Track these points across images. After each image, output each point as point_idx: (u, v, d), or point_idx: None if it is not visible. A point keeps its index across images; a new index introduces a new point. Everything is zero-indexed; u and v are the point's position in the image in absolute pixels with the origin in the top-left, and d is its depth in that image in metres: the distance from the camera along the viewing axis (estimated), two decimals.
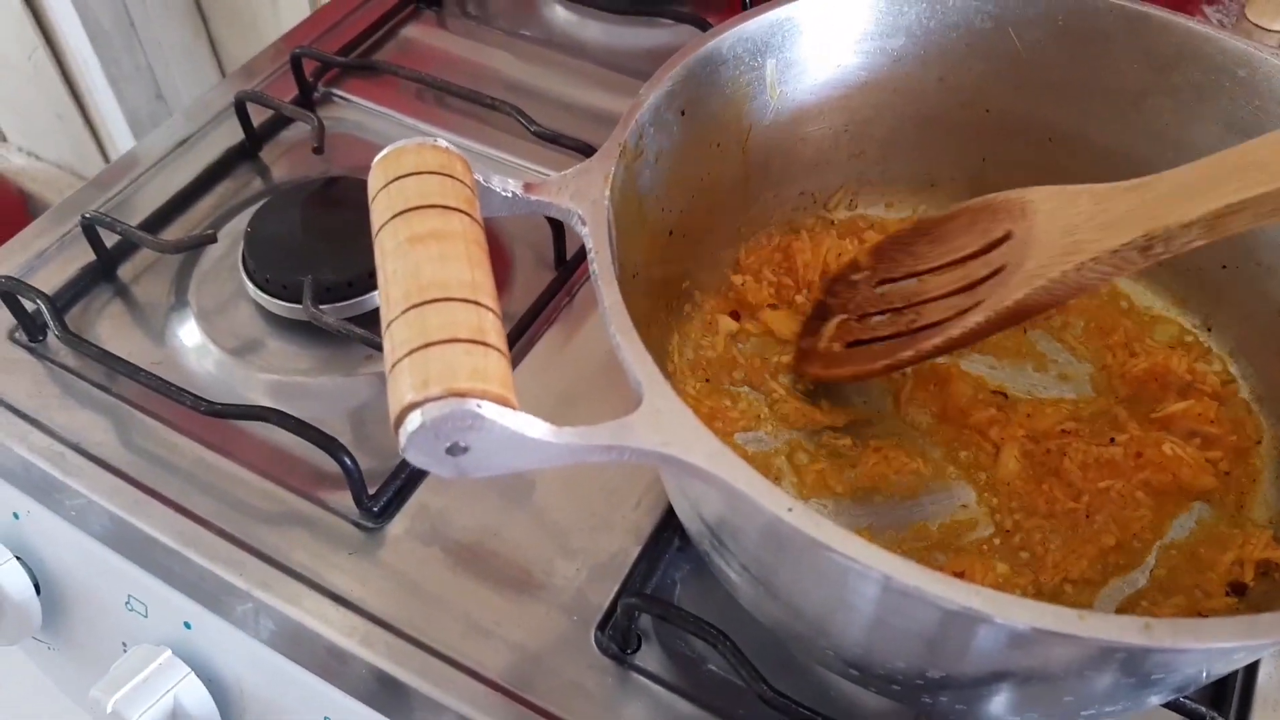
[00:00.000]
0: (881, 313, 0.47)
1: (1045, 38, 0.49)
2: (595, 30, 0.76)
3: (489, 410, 0.28)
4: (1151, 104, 0.49)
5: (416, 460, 0.29)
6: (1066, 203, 0.42)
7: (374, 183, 0.34)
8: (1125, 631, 0.27)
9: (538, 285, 0.58)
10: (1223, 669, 0.37)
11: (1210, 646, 0.28)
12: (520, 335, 0.56)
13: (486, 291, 0.31)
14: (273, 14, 1.22)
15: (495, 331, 0.30)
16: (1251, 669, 0.44)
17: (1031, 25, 0.49)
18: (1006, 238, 0.43)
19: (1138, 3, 0.47)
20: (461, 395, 0.28)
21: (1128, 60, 0.48)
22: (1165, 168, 0.49)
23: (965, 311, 0.43)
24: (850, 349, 0.48)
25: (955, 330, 0.43)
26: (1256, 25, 0.70)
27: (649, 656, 0.45)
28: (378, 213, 0.33)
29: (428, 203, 0.32)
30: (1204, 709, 0.41)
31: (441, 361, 0.28)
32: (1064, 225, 0.41)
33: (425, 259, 0.31)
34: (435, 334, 0.29)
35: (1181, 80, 0.48)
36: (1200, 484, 0.45)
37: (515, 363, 0.55)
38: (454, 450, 0.29)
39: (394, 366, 0.29)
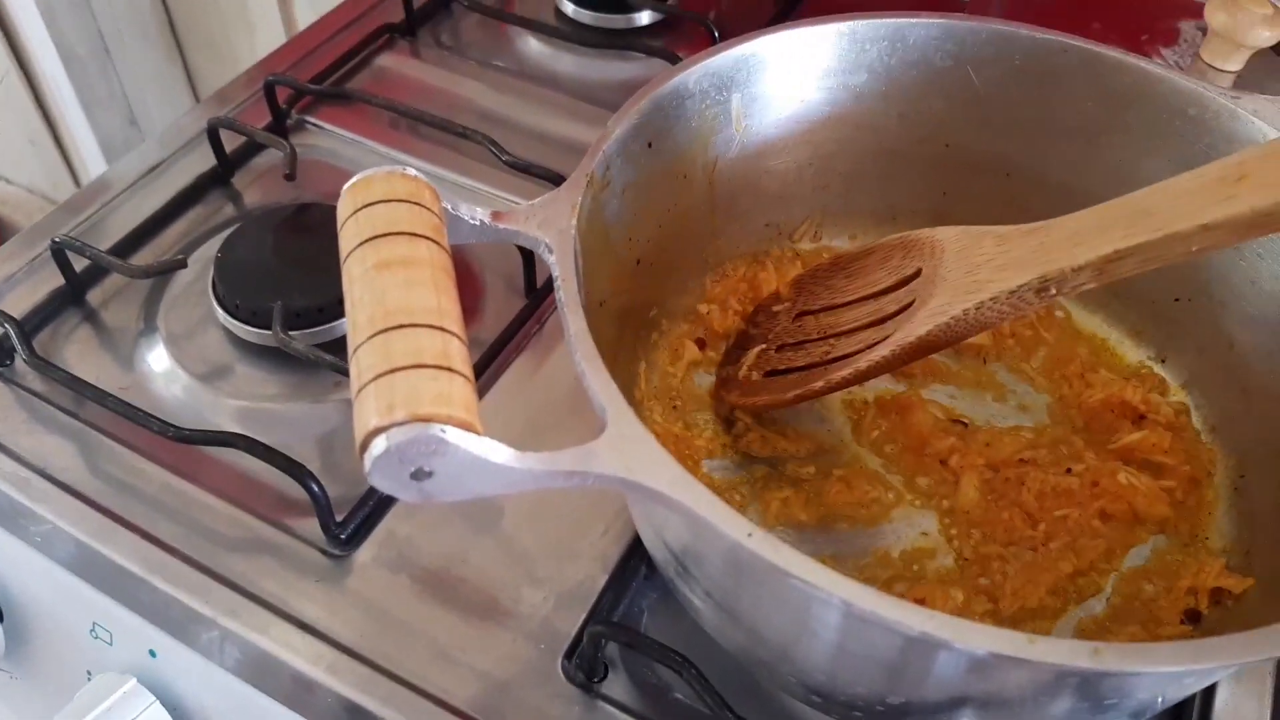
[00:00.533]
0: (799, 344, 0.49)
1: (1003, 76, 0.50)
2: (568, 62, 0.77)
3: (453, 435, 0.28)
4: (1106, 141, 0.50)
5: (381, 485, 0.29)
6: (972, 243, 0.43)
7: (343, 210, 0.34)
8: (1074, 655, 0.28)
9: (508, 312, 0.58)
10: (1176, 694, 0.38)
11: (1156, 670, 0.28)
12: (490, 362, 0.56)
13: (452, 318, 0.31)
14: (248, 41, 1.23)
15: (460, 357, 0.31)
16: (1209, 695, 0.45)
17: (989, 64, 0.50)
18: (917, 274, 0.45)
19: (1092, 44, 0.49)
20: (426, 420, 0.28)
21: (1083, 99, 0.50)
22: None
23: (874, 345, 0.45)
24: (767, 378, 0.48)
25: (863, 363, 0.44)
26: (1211, 66, 0.72)
27: (616, 685, 0.45)
28: (346, 239, 0.33)
29: (395, 230, 0.33)
30: None
31: (406, 387, 0.29)
32: (968, 264, 0.43)
33: (391, 285, 0.31)
34: (400, 359, 0.29)
35: (1135, 119, 0.49)
36: (1155, 513, 0.46)
37: (485, 389, 0.55)
38: (418, 475, 0.29)
39: (359, 392, 0.29)
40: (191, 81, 1.37)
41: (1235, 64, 0.71)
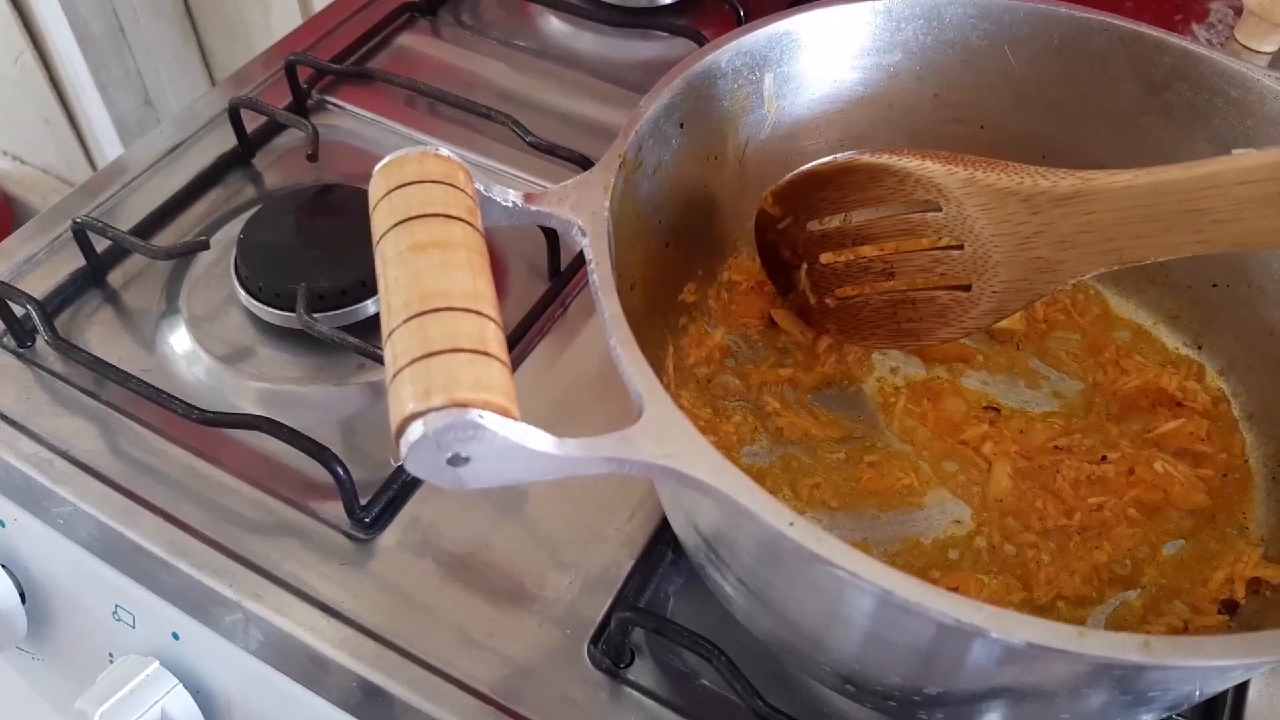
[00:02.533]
0: (838, 252, 0.49)
1: (1040, 56, 0.49)
2: (589, 41, 0.76)
3: (491, 421, 0.28)
4: (1145, 123, 0.49)
5: (417, 471, 0.29)
6: (995, 201, 0.43)
7: (375, 191, 0.34)
8: (1125, 649, 0.27)
9: (532, 296, 0.58)
10: (1217, 687, 0.37)
11: (1209, 664, 0.28)
12: (514, 346, 0.55)
13: (488, 301, 0.31)
14: (263, 21, 1.22)
15: (497, 341, 0.30)
16: (1241, 688, 0.44)
17: (1026, 43, 0.49)
18: (934, 207, 0.44)
19: (1132, 23, 0.48)
20: (463, 405, 0.28)
21: (1122, 79, 0.49)
22: None
23: (953, 291, 0.46)
24: (847, 305, 0.49)
25: (969, 322, 0.46)
26: (1245, 46, 0.71)
27: (642, 671, 0.45)
28: (379, 221, 0.33)
29: (429, 211, 0.32)
30: None
31: (443, 371, 0.28)
32: (1014, 235, 0.43)
33: (427, 268, 0.31)
34: (437, 344, 0.29)
35: (1175, 100, 0.48)
36: (1192, 502, 0.45)
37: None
38: (455, 461, 0.28)
39: (395, 376, 0.29)
40: (206, 61, 1.36)
41: (1271, 45, 0.70)
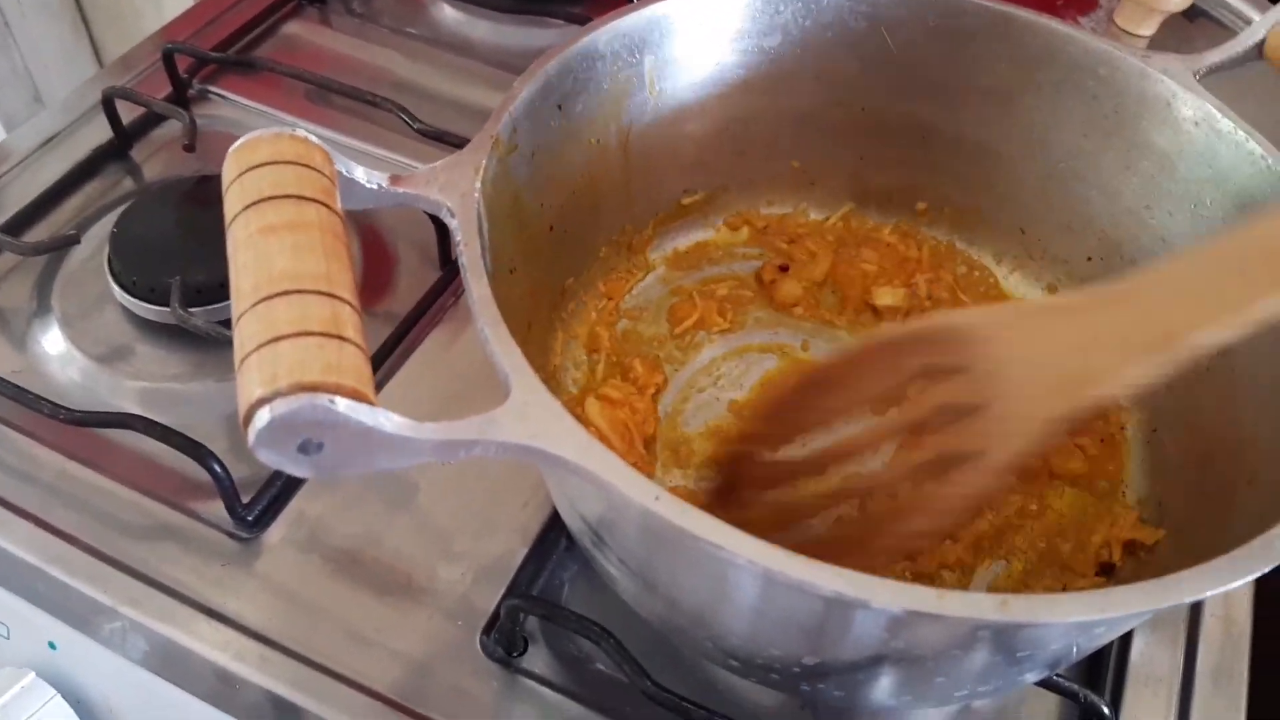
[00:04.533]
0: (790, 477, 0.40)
1: (917, 38, 0.50)
2: (483, 29, 0.75)
3: (342, 405, 0.27)
4: (1020, 103, 0.50)
5: (267, 459, 0.28)
6: (1035, 328, 0.36)
7: (228, 173, 0.33)
8: (982, 608, 0.27)
9: (422, 285, 0.57)
10: (1090, 644, 0.38)
11: (1064, 621, 0.28)
12: (405, 335, 0.54)
13: (342, 284, 0.30)
14: (155, 11, 1.18)
15: (351, 324, 0.29)
16: (1125, 646, 0.46)
17: (903, 25, 0.50)
18: (958, 370, 0.36)
19: (1004, 5, 0.49)
20: (313, 389, 0.27)
21: (996, 60, 0.50)
22: (1035, 164, 0.50)
23: (961, 461, 0.36)
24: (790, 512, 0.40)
25: (959, 498, 0.36)
26: (1124, 31, 0.73)
27: (536, 659, 0.44)
28: (230, 204, 0.32)
29: (282, 193, 0.31)
30: (1077, 687, 0.42)
31: (292, 355, 0.27)
32: (1045, 354, 0.35)
33: (277, 250, 0.30)
34: (285, 327, 0.28)
35: (1046, 79, 0.49)
36: (1069, 468, 0.46)
37: (399, 363, 0.54)
38: (307, 448, 0.28)
39: (242, 362, 0.28)
40: (98, 55, 1.32)
41: (1148, 29, 0.72)
